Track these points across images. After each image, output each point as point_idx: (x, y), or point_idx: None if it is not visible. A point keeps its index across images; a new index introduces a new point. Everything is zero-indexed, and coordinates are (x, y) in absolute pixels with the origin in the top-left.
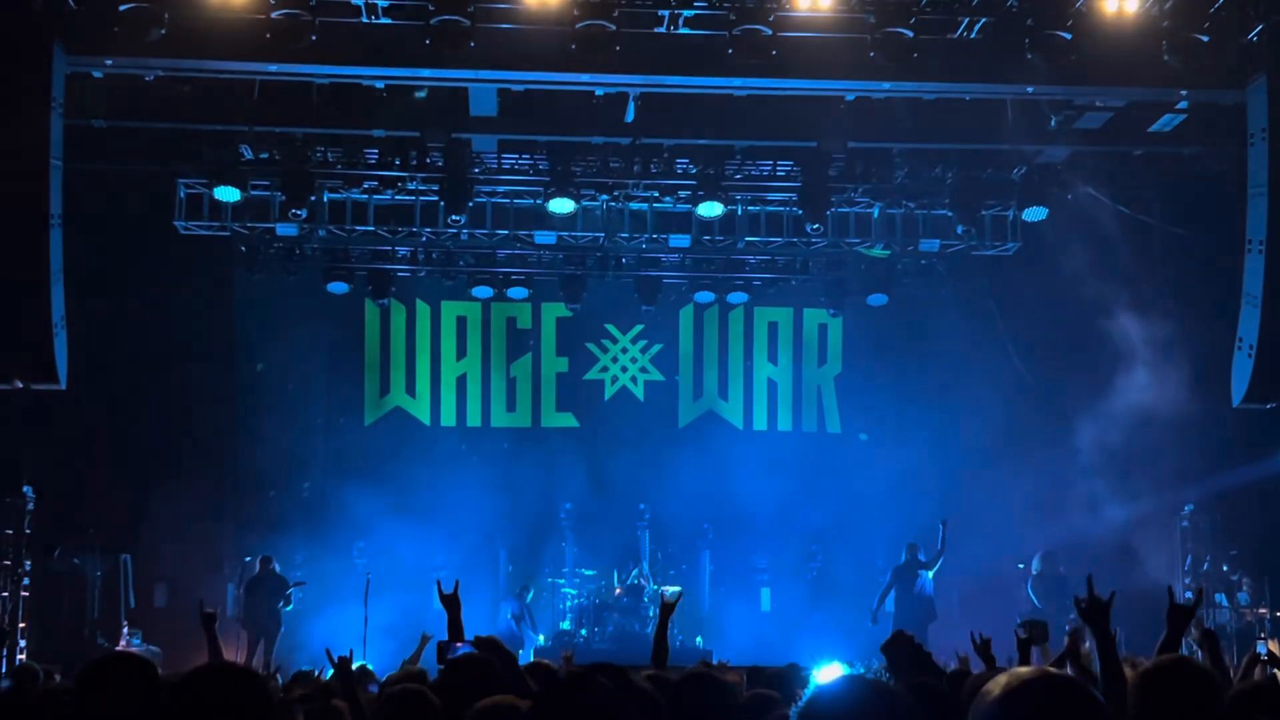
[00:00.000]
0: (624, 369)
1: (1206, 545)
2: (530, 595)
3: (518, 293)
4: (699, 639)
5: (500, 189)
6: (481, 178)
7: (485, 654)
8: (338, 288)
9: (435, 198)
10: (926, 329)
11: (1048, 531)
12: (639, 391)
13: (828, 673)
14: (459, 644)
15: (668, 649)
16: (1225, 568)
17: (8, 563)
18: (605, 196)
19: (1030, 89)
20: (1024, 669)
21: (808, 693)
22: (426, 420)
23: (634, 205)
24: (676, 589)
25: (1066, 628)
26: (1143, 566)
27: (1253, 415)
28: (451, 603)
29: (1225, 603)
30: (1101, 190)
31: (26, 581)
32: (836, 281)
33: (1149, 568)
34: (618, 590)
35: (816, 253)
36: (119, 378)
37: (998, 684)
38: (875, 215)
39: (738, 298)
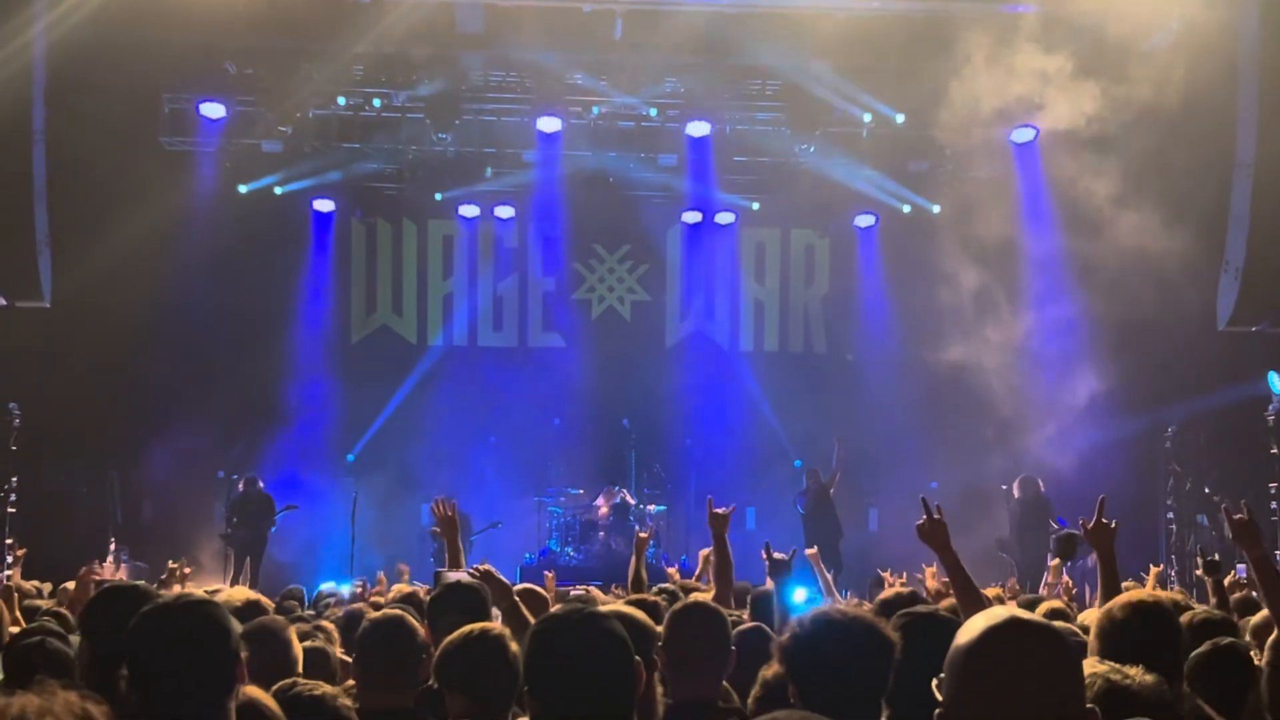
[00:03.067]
0: (610, 289)
1: (1189, 466)
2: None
3: (504, 211)
4: (684, 557)
5: (488, 107)
6: (469, 95)
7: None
8: (324, 205)
9: (422, 115)
10: (913, 249)
11: (1029, 453)
12: (626, 312)
13: (799, 596)
14: (455, 572)
15: (644, 581)
16: (1207, 489)
17: None
18: (596, 111)
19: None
20: (997, 611)
21: (791, 627)
22: (413, 339)
23: (622, 124)
24: (655, 518)
25: (1049, 560)
26: (1126, 489)
27: (1237, 336)
28: (449, 526)
29: (1207, 523)
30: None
31: (14, 498)
32: (824, 203)
33: (1132, 491)
34: (603, 509)
35: (805, 173)
36: (105, 296)
37: (968, 630)
38: (864, 135)
39: (725, 218)
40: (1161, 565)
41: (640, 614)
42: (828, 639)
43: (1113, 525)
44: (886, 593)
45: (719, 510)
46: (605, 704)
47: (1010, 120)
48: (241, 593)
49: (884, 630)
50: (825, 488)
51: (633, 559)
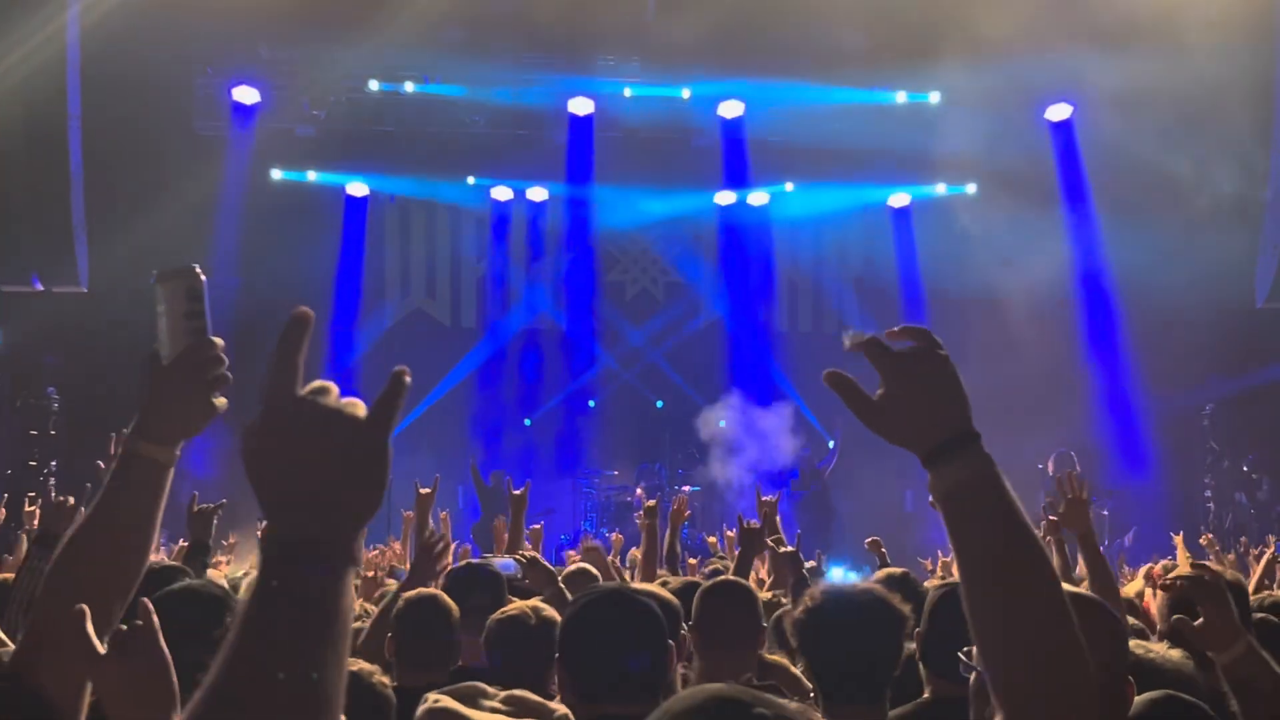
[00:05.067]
0: (644, 270)
1: (1227, 444)
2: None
3: (537, 194)
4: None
5: (520, 89)
6: (501, 77)
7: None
8: (357, 189)
9: (455, 97)
10: (947, 228)
11: (1066, 431)
12: (659, 294)
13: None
14: (501, 560)
15: (678, 555)
16: (1245, 467)
17: (33, 463)
18: (628, 91)
19: None
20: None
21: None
22: (448, 322)
23: (655, 104)
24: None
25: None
26: (1164, 467)
27: (1275, 314)
28: (519, 506)
29: (1245, 501)
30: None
31: (54, 482)
32: (858, 183)
33: (1170, 470)
34: (639, 490)
35: (838, 153)
36: (141, 280)
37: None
38: (899, 113)
39: (759, 198)
40: (1209, 535)
41: (667, 594)
42: (835, 613)
43: (1085, 498)
44: (879, 574)
45: (767, 497)
46: (636, 679)
47: (1046, 97)
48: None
49: (894, 605)
50: (818, 472)
51: (667, 533)
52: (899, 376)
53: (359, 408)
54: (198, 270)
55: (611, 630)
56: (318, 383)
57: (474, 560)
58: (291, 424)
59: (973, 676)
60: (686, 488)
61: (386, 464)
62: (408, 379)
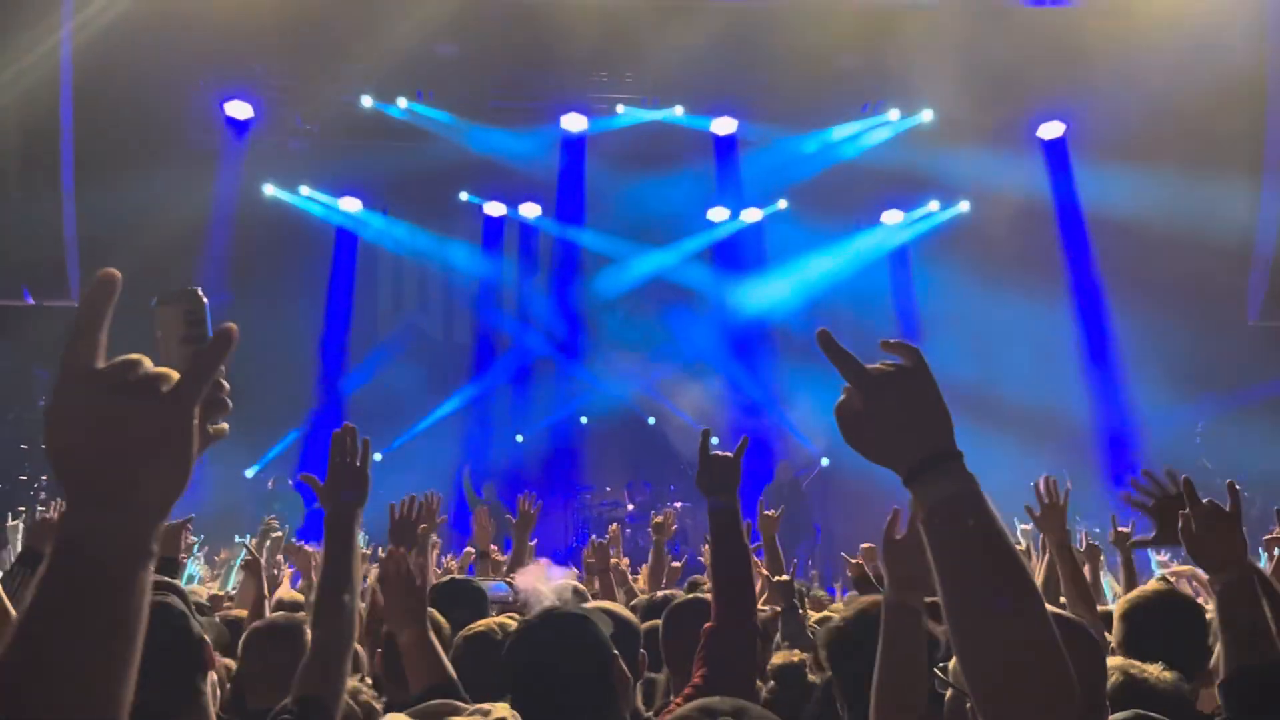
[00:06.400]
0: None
1: (1219, 462)
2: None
3: (530, 210)
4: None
5: (513, 105)
6: (495, 93)
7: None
8: (350, 204)
9: (448, 113)
10: (942, 245)
11: (1056, 450)
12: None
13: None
14: (493, 583)
15: (663, 568)
16: (1238, 485)
17: (23, 477)
18: (621, 108)
19: None
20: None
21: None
22: (440, 336)
23: (647, 121)
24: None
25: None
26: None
27: (1267, 331)
28: (527, 523)
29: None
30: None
31: (43, 496)
32: (852, 200)
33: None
34: (630, 506)
35: (832, 170)
36: (133, 294)
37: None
38: (893, 131)
39: (752, 215)
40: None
41: (625, 612)
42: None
43: (1062, 504)
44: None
45: (770, 513)
46: (574, 704)
47: (1039, 116)
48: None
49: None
50: (795, 483)
51: (651, 552)
52: (881, 394)
53: (168, 380)
54: (200, 293)
55: (548, 653)
56: (127, 356)
57: (457, 576)
58: (85, 401)
59: (948, 693)
60: (677, 504)
61: (189, 442)
62: (234, 336)
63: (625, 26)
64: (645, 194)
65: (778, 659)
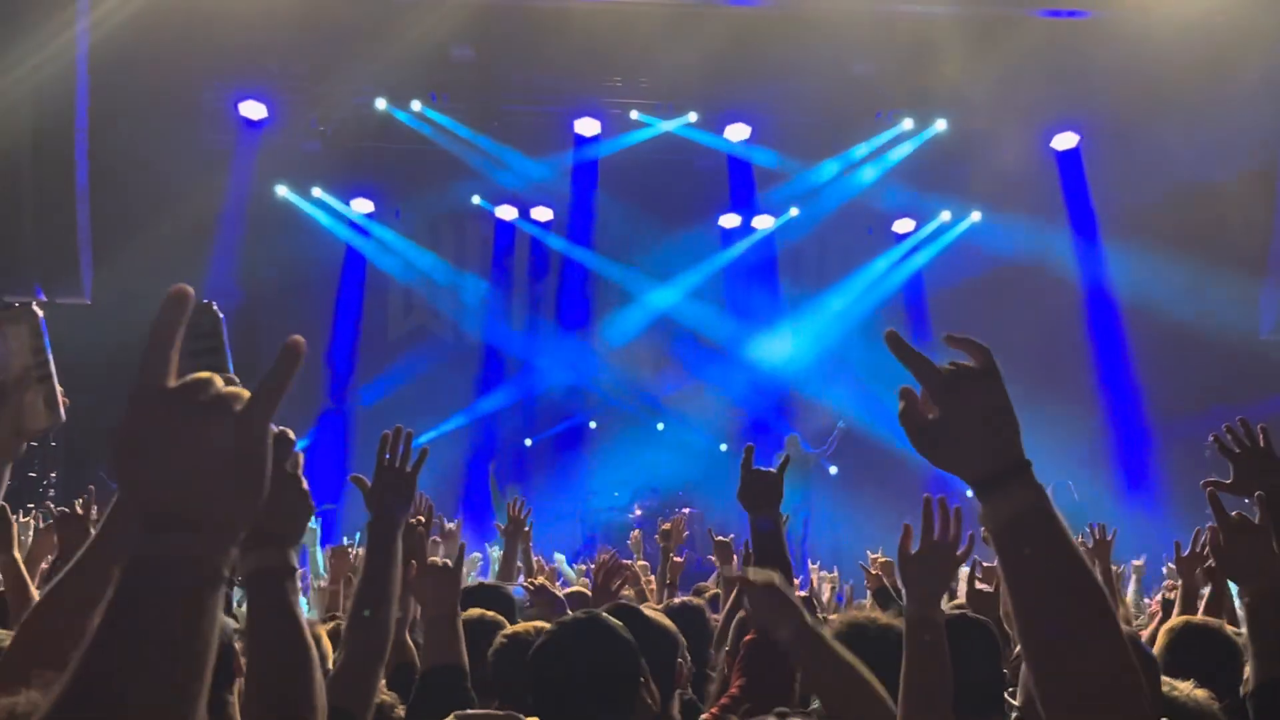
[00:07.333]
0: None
1: (1228, 475)
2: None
3: (542, 214)
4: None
5: (526, 108)
6: (508, 96)
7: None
8: (363, 205)
9: (462, 115)
10: (953, 253)
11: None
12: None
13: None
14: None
15: (667, 572)
16: (1248, 500)
17: (33, 474)
18: (634, 113)
19: None
20: None
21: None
22: (451, 339)
23: (660, 126)
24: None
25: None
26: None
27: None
28: (518, 529)
29: None
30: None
31: (53, 493)
32: (864, 208)
33: (1174, 499)
34: (638, 511)
35: (845, 177)
36: (146, 293)
37: None
38: (905, 140)
39: (764, 222)
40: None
41: (666, 621)
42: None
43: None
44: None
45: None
46: (600, 709)
47: (1052, 126)
48: None
49: (993, 629)
50: (803, 459)
51: (661, 560)
52: (955, 399)
53: (240, 400)
54: (37, 310)
55: (573, 659)
56: (197, 375)
57: (486, 581)
58: (156, 423)
59: (1013, 717)
60: (686, 509)
61: (263, 463)
62: (301, 351)
63: (639, 32)
64: (657, 198)
65: None
